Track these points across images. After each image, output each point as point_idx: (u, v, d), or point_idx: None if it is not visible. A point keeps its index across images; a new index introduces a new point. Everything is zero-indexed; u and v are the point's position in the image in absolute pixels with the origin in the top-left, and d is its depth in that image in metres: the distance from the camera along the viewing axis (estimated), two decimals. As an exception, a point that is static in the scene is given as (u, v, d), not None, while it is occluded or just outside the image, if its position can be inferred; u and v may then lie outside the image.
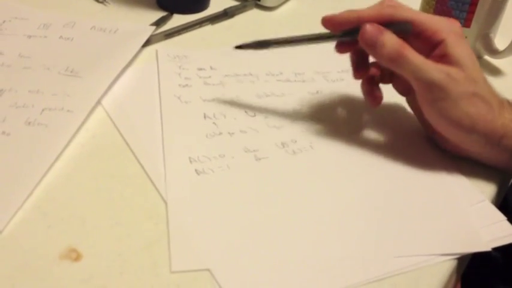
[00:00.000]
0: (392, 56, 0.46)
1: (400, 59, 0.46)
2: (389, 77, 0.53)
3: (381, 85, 0.54)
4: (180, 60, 0.61)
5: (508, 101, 0.49)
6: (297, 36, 0.51)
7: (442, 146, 0.51)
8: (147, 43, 0.63)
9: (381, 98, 0.53)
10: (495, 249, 0.43)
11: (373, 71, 0.53)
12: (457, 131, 0.47)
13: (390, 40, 0.46)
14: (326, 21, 0.50)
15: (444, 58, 0.46)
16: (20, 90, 0.53)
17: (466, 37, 0.65)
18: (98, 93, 0.54)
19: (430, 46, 0.47)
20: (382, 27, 0.47)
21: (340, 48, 0.51)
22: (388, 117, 0.56)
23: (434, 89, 0.46)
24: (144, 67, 0.60)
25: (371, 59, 0.51)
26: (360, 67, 0.52)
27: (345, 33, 0.49)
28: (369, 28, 0.47)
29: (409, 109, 0.55)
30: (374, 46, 0.47)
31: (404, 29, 0.48)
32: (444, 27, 0.47)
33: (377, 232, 0.44)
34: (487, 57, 0.68)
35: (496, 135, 0.47)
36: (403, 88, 0.53)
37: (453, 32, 0.47)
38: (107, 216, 0.43)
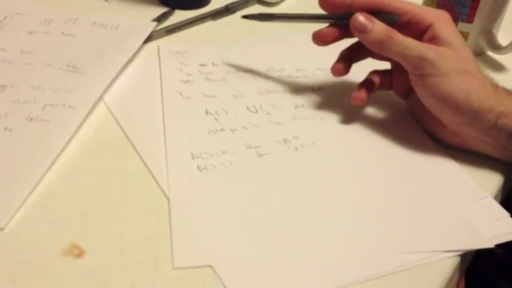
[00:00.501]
0: (381, 39, 0.49)
1: (389, 41, 0.48)
2: (389, 83, 0.55)
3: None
4: (182, 56, 0.61)
5: (503, 87, 0.50)
6: (298, 14, 0.56)
7: (442, 137, 0.52)
8: (149, 39, 0.63)
9: (366, 97, 0.53)
10: (498, 245, 0.43)
11: (374, 78, 0.55)
12: (451, 109, 0.48)
13: (379, 26, 0.49)
14: (322, 2, 0.53)
15: (433, 41, 0.49)
16: (21, 86, 0.53)
17: (468, 33, 0.66)
18: (99, 89, 0.54)
19: (419, 32, 0.50)
20: (372, 17, 0.50)
21: (327, 37, 0.53)
22: (390, 114, 0.56)
23: (426, 65, 0.47)
24: (145, 63, 0.60)
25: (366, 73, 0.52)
26: (340, 65, 0.54)
27: (339, 17, 0.52)
28: (360, 15, 0.50)
29: (410, 111, 0.55)
30: (363, 31, 0.49)
31: (391, 19, 0.50)
32: (431, 13, 0.50)
33: (379, 229, 0.44)
34: (489, 53, 0.68)
35: (492, 113, 0.47)
36: (403, 91, 0.55)
37: (440, 17, 0.50)
38: (108, 213, 0.43)
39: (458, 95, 0.47)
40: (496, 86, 0.49)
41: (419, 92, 0.49)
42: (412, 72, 0.49)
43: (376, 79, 0.54)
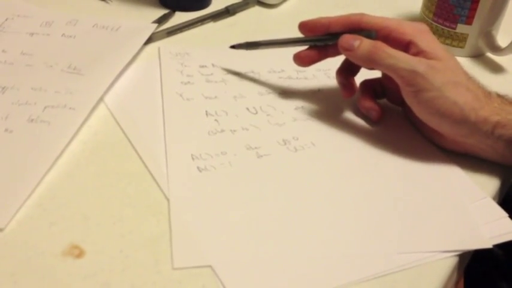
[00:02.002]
0: (370, 52, 0.49)
1: (377, 54, 0.49)
2: (381, 92, 0.56)
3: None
4: (182, 58, 0.62)
5: (496, 93, 0.50)
6: (281, 40, 0.57)
7: (441, 144, 0.52)
8: (149, 41, 0.63)
9: (379, 109, 0.54)
10: (497, 246, 0.43)
11: (365, 88, 0.55)
12: (448, 123, 0.48)
13: (365, 41, 0.50)
14: (300, 26, 0.54)
15: (420, 54, 0.48)
16: (22, 88, 0.53)
17: (467, 34, 0.66)
18: (100, 90, 0.54)
19: (399, 48, 0.49)
20: (358, 36, 0.51)
21: (305, 59, 0.55)
22: (389, 115, 0.56)
23: (418, 80, 0.47)
24: (146, 64, 0.60)
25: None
26: (347, 87, 0.56)
27: (319, 39, 0.54)
28: (346, 35, 0.51)
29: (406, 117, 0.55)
30: (351, 49, 0.50)
31: (368, 35, 0.51)
32: (409, 28, 0.50)
33: (378, 229, 0.44)
34: (489, 55, 0.68)
35: (488, 125, 0.47)
36: (396, 99, 0.55)
37: (420, 31, 0.50)
38: (109, 213, 0.43)
39: (454, 109, 0.47)
40: (488, 94, 0.49)
41: (414, 108, 0.49)
42: (405, 87, 0.48)
43: (368, 89, 0.55)
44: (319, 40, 0.54)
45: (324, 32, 0.53)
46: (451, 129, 0.48)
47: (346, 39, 0.51)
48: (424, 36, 0.49)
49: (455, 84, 0.47)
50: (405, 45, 0.50)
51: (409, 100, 0.49)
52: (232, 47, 0.59)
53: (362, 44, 0.50)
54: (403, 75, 0.48)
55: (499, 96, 0.49)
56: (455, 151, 0.51)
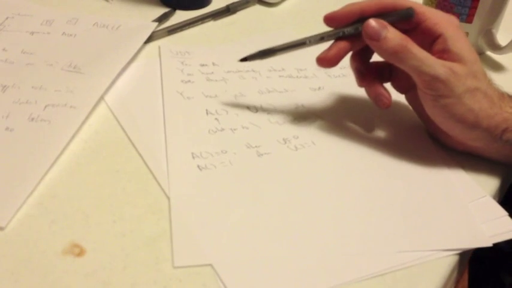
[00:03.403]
0: (396, 49, 0.46)
1: (403, 52, 0.46)
2: (388, 75, 0.53)
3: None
4: (183, 56, 0.62)
5: (508, 94, 0.49)
6: (299, 40, 0.51)
7: (444, 142, 0.51)
8: (150, 39, 0.64)
9: (390, 97, 0.51)
10: None
11: (371, 70, 0.52)
12: (460, 127, 0.47)
13: (393, 33, 0.46)
14: (328, 19, 0.50)
15: (445, 53, 0.47)
16: (23, 87, 0.53)
17: (467, 33, 0.66)
18: (100, 89, 0.54)
19: (430, 39, 0.48)
20: (385, 23, 0.47)
21: (333, 59, 0.50)
22: (389, 113, 0.56)
23: (438, 85, 0.46)
24: (146, 63, 0.60)
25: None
26: (363, 74, 0.52)
27: (346, 28, 0.49)
28: (373, 22, 0.47)
29: (409, 105, 0.55)
30: (377, 40, 0.47)
31: (407, 14, 0.48)
32: (443, 20, 0.48)
33: (379, 227, 0.44)
34: (489, 53, 0.68)
35: (498, 130, 0.47)
36: (403, 86, 0.53)
37: (452, 26, 0.47)
38: (109, 212, 0.43)
39: (469, 116, 0.46)
40: (502, 96, 0.48)
41: (429, 109, 0.48)
42: (424, 89, 0.47)
43: (373, 71, 0.52)
44: (338, 34, 0.49)
45: (356, 21, 0.49)
46: (462, 134, 0.48)
47: (372, 25, 0.47)
48: (454, 33, 0.47)
49: (475, 91, 0.46)
50: (434, 37, 0.47)
51: (426, 102, 0.48)
52: (244, 59, 0.52)
53: (389, 34, 0.46)
54: (424, 79, 0.46)
55: (510, 96, 0.49)
56: (457, 150, 0.51)
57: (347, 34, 0.49)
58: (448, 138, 0.50)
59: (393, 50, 0.46)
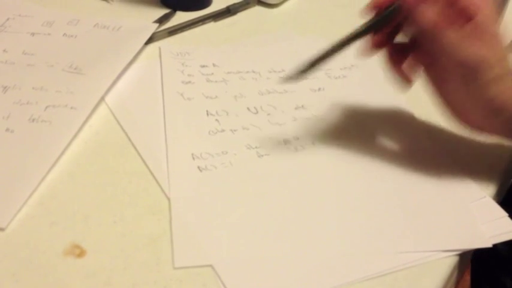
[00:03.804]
0: (431, 26, 0.45)
1: (437, 30, 0.45)
2: (411, 46, 0.50)
3: (382, 84, 0.54)
4: (183, 57, 0.62)
5: None
6: (338, 43, 0.48)
7: (456, 120, 0.50)
8: (150, 40, 0.64)
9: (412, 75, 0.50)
10: (501, 242, 0.43)
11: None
12: (482, 113, 0.47)
13: (431, 9, 0.45)
14: (370, 9, 0.48)
15: (477, 37, 0.45)
16: (23, 87, 0.54)
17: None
18: (101, 90, 0.54)
19: (463, 19, 0.46)
20: None
21: (376, 42, 0.48)
22: (390, 114, 0.56)
23: (467, 70, 0.45)
24: (147, 64, 0.60)
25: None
26: (406, 77, 0.50)
27: (382, 16, 0.47)
28: None
29: (409, 106, 0.55)
30: (414, 12, 0.45)
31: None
32: (479, 1, 0.46)
33: (379, 228, 0.44)
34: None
35: None
36: (425, 59, 0.50)
37: (487, 6, 0.46)
38: (110, 213, 0.43)
39: (493, 103, 0.46)
40: None
41: (452, 90, 0.47)
42: (451, 72, 0.46)
43: (400, 52, 0.50)
44: (379, 22, 0.47)
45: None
46: (482, 119, 0.48)
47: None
48: (488, 16, 0.45)
49: (502, 78, 0.45)
50: (467, 18, 0.45)
51: (450, 82, 0.47)
52: (286, 79, 0.50)
53: (427, 10, 0.45)
54: (453, 61, 0.45)
55: None
56: (467, 129, 0.50)
57: (388, 19, 0.47)
58: (463, 117, 0.49)
59: (428, 25, 0.45)
